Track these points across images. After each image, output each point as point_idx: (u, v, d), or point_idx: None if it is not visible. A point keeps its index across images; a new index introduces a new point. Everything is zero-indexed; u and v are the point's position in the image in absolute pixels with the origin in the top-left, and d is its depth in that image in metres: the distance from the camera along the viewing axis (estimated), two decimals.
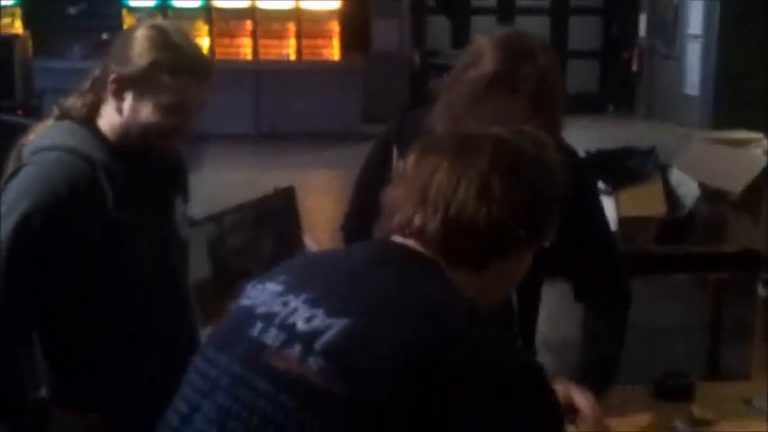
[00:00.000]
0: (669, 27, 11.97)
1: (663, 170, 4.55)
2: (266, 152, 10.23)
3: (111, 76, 1.95)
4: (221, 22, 11.76)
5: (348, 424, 1.17)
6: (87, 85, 2.02)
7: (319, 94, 11.13)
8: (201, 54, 2.05)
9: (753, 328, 3.75)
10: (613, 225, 4.07)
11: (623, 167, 4.44)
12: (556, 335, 4.07)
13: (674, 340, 4.65)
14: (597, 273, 2.16)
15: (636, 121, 12.39)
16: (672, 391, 2.22)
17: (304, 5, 11.79)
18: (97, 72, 2.01)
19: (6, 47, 7.90)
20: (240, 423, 1.23)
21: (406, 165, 1.42)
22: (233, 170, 8.72)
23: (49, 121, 2.03)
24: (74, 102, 2.02)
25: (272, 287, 1.35)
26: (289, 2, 11.72)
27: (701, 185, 4.48)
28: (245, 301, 1.37)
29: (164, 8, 11.40)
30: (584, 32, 13.85)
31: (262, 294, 1.35)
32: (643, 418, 2.04)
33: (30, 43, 8.40)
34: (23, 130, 2.05)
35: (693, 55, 11.46)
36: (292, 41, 11.79)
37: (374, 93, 11.25)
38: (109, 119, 1.99)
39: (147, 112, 1.95)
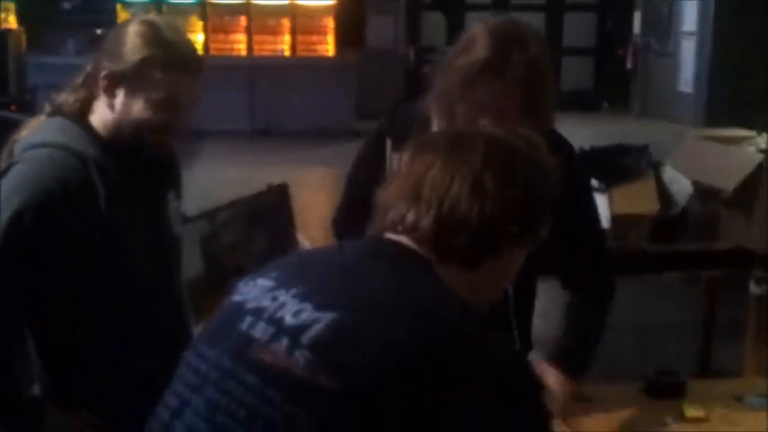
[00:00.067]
0: (663, 24, 11.99)
1: (656, 168, 4.55)
2: (261, 149, 10.22)
3: (103, 73, 1.95)
4: (216, 18, 11.75)
5: (337, 417, 1.17)
6: (79, 80, 2.02)
7: (314, 90, 11.13)
8: (194, 49, 2.04)
9: (745, 325, 3.76)
10: (606, 222, 4.09)
11: (617, 165, 4.44)
12: (549, 331, 4.08)
13: (667, 338, 4.66)
14: (588, 269, 2.18)
15: (630, 118, 12.42)
16: (664, 388, 2.23)
17: (299, 1, 11.78)
18: (89, 68, 2.01)
19: (0, 42, 7.88)
20: (228, 417, 1.24)
21: (400, 163, 1.43)
22: (228, 167, 8.72)
23: (42, 117, 2.03)
24: (66, 98, 2.01)
25: (264, 283, 1.35)
26: None
27: (695, 183, 4.48)
28: (236, 297, 1.37)
29: (158, 3, 11.38)
30: (578, 29, 13.87)
31: (253, 290, 1.35)
32: (622, 414, 2.07)
33: (24, 38, 8.38)
34: (17, 125, 2.05)
35: (688, 52, 11.49)
36: (287, 37, 11.78)
37: (369, 89, 11.25)
38: (101, 115, 1.99)
39: (138, 108, 1.94)
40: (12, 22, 10.57)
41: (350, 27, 11.97)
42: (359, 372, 1.18)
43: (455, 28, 13.66)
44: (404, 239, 1.36)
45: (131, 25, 1.97)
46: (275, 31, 11.79)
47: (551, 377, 1.99)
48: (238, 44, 11.76)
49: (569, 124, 2.28)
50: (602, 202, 4.09)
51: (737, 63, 10.39)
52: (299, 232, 2.47)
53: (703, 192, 4.51)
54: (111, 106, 1.96)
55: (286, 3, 11.75)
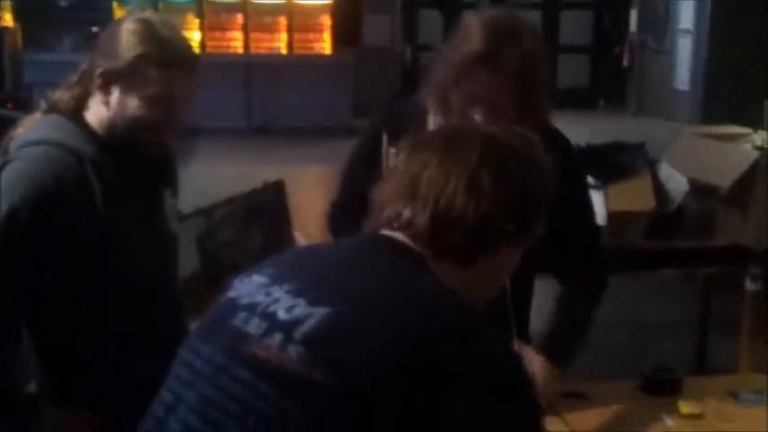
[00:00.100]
0: (660, 22, 12.00)
1: (652, 165, 4.55)
2: (257, 146, 10.21)
3: (98, 70, 1.95)
4: (212, 16, 11.73)
5: (332, 413, 1.17)
6: (75, 78, 2.01)
7: (310, 88, 11.12)
8: (189, 47, 2.03)
9: (740, 322, 3.77)
10: (602, 220, 4.09)
11: (613, 162, 4.45)
12: (545, 327, 4.08)
13: (662, 335, 4.66)
14: (582, 266, 2.18)
15: (626, 115, 12.42)
16: (659, 385, 2.23)
17: None
18: (85, 66, 2.00)
19: None
20: (222, 412, 1.24)
21: (396, 161, 1.44)
22: (224, 164, 8.70)
23: (37, 115, 2.02)
24: (61, 95, 2.01)
25: (258, 279, 1.35)
26: None
27: (690, 180, 4.49)
28: (230, 294, 1.37)
29: (154, 1, 11.36)
30: (575, 27, 13.87)
31: (248, 287, 1.35)
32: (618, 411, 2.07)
33: (20, 36, 8.38)
34: (13, 123, 2.04)
35: (684, 50, 11.50)
36: (284, 35, 11.76)
37: (365, 87, 11.23)
38: (96, 112, 1.98)
39: (134, 105, 1.94)
40: (8, 19, 10.54)
41: (346, 25, 11.96)
42: (355, 368, 1.18)
43: (451, 26, 13.56)
44: (400, 236, 1.36)
45: (126, 23, 1.97)
46: (272, 29, 11.77)
47: (535, 363, 1.99)
48: (235, 42, 11.74)
49: (566, 122, 2.28)
50: (598, 200, 4.09)
51: (734, 61, 10.40)
52: (296, 230, 2.47)
53: (699, 189, 4.51)
54: (107, 104, 1.96)
55: (283, 1, 11.74)
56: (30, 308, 1.95)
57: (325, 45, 11.85)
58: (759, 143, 4.70)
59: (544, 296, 2.34)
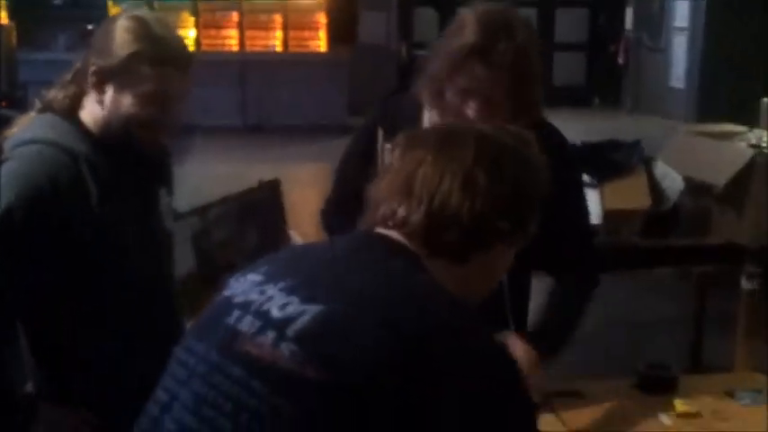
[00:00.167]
0: (655, 20, 12.01)
1: (647, 163, 4.55)
2: (252, 144, 10.20)
3: (92, 69, 1.94)
4: (207, 14, 11.72)
5: (324, 410, 1.17)
6: (69, 76, 2.01)
7: (306, 86, 11.12)
8: (183, 44, 2.03)
9: (736, 320, 3.77)
10: (598, 218, 4.09)
11: (608, 160, 4.44)
12: (533, 317, 4.09)
13: (658, 333, 4.67)
14: (576, 265, 2.18)
15: (622, 113, 12.43)
16: (655, 383, 2.23)
17: None
18: (79, 64, 2.00)
19: None
20: (215, 410, 1.24)
21: (391, 158, 1.44)
22: (219, 162, 8.70)
23: (32, 114, 2.02)
24: (56, 94, 2.00)
25: (253, 278, 1.36)
26: None
27: (686, 178, 4.49)
28: (226, 292, 1.37)
29: None
30: (570, 25, 13.88)
31: (242, 285, 1.36)
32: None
33: (14, 34, 8.37)
34: (7, 122, 2.04)
35: (679, 48, 11.51)
36: (279, 33, 11.75)
37: (361, 85, 11.23)
38: (91, 111, 1.98)
39: (127, 103, 1.94)
40: (2, 17, 10.53)
41: (342, 23, 11.95)
42: (348, 365, 1.18)
43: (447, 23, 13.62)
44: (394, 234, 1.36)
45: (120, 21, 1.97)
46: (267, 27, 11.76)
47: (518, 348, 1.97)
48: (230, 40, 11.73)
49: (561, 120, 2.28)
50: (593, 198, 4.09)
51: (729, 58, 10.41)
52: (291, 228, 2.46)
53: (695, 187, 4.51)
54: (101, 102, 1.96)
55: None
56: (29, 308, 1.95)
57: (320, 43, 11.84)
58: (754, 141, 4.70)
59: (540, 294, 2.34)
